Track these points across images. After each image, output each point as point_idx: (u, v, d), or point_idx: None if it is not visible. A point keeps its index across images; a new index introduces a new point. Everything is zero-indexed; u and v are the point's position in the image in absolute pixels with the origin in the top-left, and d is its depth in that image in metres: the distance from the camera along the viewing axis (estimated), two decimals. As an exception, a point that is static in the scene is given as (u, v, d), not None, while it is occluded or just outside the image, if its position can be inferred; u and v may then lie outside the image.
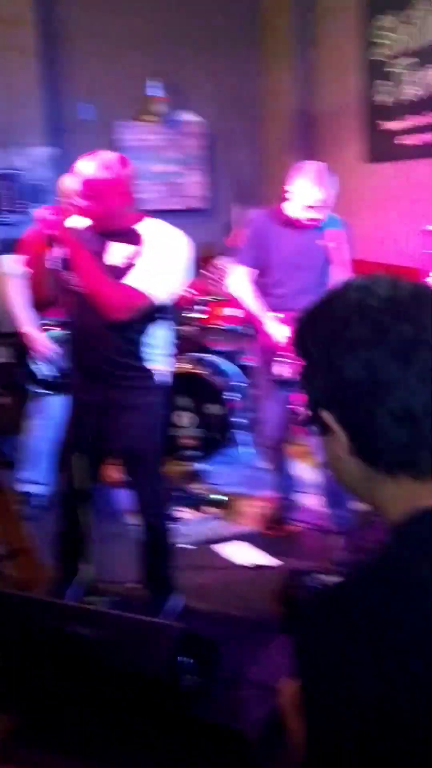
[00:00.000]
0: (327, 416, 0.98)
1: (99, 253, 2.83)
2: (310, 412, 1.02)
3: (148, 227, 2.86)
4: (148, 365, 2.96)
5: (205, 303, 4.99)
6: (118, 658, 2.39)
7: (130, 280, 2.77)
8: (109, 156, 2.83)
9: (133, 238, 2.82)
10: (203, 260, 6.18)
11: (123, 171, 2.81)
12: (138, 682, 2.36)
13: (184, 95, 6.15)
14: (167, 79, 5.98)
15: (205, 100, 6.24)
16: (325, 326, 0.99)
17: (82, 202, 2.79)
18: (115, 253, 2.84)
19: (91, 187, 2.76)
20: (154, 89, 5.98)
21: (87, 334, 2.92)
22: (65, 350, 3.27)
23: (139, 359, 2.93)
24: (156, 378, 3.00)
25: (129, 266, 2.79)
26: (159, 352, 2.99)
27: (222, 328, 4.94)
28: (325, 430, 1.00)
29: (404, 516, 0.95)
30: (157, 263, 2.77)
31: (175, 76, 6.04)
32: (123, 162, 2.85)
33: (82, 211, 2.82)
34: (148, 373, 2.97)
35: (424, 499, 0.95)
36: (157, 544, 3.25)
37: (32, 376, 4.09)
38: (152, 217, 2.95)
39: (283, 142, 6.13)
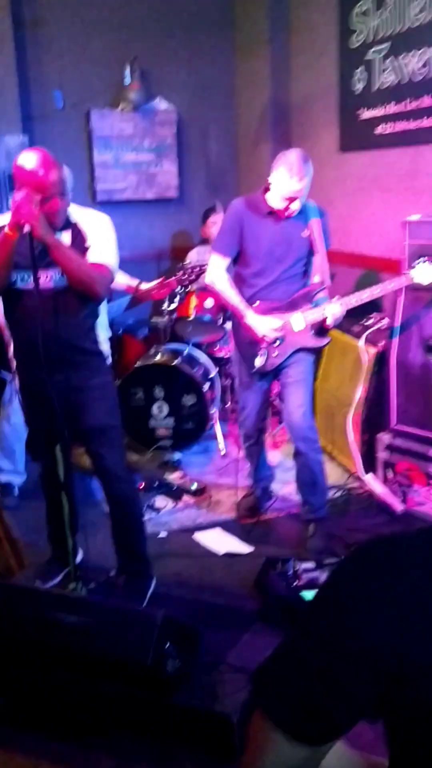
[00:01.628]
0: None
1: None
2: None
3: (76, 212, 3.04)
4: (100, 346, 3.17)
5: (180, 294, 5.01)
6: (102, 644, 2.43)
7: (92, 260, 2.96)
8: (45, 155, 2.83)
9: (70, 225, 3.00)
10: (177, 250, 6.20)
11: (56, 173, 2.85)
12: (123, 668, 2.39)
13: (157, 83, 6.13)
14: (141, 67, 5.95)
15: (179, 88, 6.21)
16: None
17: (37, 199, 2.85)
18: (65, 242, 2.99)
19: (51, 188, 2.83)
20: (128, 77, 5.94)
21: (50, 323, 2.97)
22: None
23: (95, 342, 3.14)
24: (106, 358, 3.21)
25: (83, 251, 2.97)
26: (105, 334, 3.21)
27: (197, 319, 4.95)
28: None
29: None
30: (104, 241, 3.00)
31: (149, 64, 6.01)
32: (52, 160, 2.87)
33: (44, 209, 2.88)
34: (101, 354, 3.18)
35: None
36: (127, 517, 3.33)
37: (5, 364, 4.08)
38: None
39: (258, 131, 6.13)
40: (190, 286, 4.90)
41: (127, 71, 5.90)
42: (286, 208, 3.53)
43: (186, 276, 4.72)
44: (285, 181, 3.44)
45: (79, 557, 3.46)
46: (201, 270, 4.60)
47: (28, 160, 2.79)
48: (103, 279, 2.96)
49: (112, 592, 3.25)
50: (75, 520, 3.39)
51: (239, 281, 3.71)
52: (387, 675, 0.92)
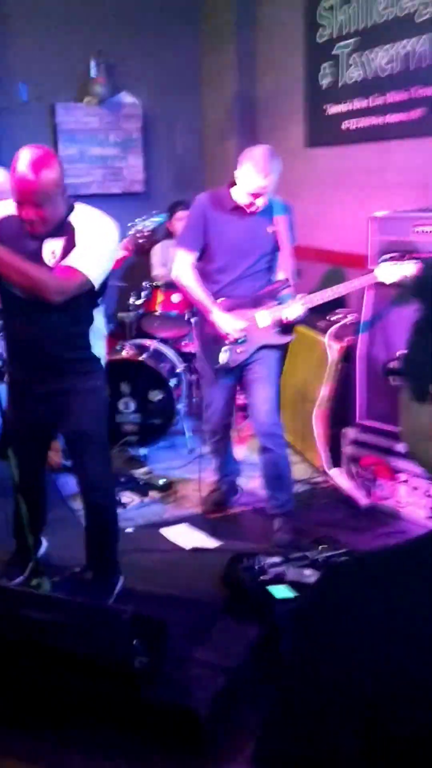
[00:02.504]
0: None
1: (37, 254, 2.83)
2: (411, 376, 0.96)
3: (79, 216, 2.89)
4: (92, 351, 3.06)
5: (146, 289, 4.99)
6: (70, 641, 2.42)
7: (64, 262, 2.82)
8: (37, 157, 2.71)
9: (66, 230, 2.85)
10: (143, 245, 6.17)
11: (51, 173, 2.72)
12: (91, 665, 2.39)
13: (123, 77, 6.09)
14: (106, 61, 5.91)
15: (144, 82, 6.18)
16: None
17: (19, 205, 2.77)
18: (50, 250, 2.86)
19: (25, 195, 2.72)
20: (93, 70, 5.90)
21: (29, 332, 2.94)
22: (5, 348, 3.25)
23: (85, 347, 3.03)
24: (98, 362, 3.11)
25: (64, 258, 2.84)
26: (98, 338, 3.10)
27: (164, 314, 4.94)
28: (422, 398, 0.94)
29: None
30: (88, 245, 2.83)
31: (114, 58, 5.97)
32: (50, 160, 2.76)
33: (20, 213, 2.79)
34: (92, 359, 3.07)
35: None
36: (104, 526, 3.30)
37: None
38: (85, 202, 2.98)
39: (225, 126, 6.13)
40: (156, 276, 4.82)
41: (93, 65, 5.86)
42: (252, 204, 3.52)
43: (137, 238, 4.58)
44: (251, 176, 3.43)
45: (42, 550, 3.43)
46: (149, 233, 4.45)
47: (19, 161, 2.69)
48: (61, 284, 2.77)
49: (78, 587, 3.22)
50: (42, 517, 3.37)
51: (203, 277, 3.69)
52: (372, 708, 0.89)
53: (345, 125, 4.81)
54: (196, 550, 3.72)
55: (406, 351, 1.01)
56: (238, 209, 3.57)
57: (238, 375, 3.83)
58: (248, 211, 3.55)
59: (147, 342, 5.04)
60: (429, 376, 0.92)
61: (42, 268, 2.78)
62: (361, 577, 0.94)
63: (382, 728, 0.87)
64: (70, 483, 4.01)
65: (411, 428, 1.02)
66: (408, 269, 3.57)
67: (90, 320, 3.00)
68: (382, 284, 3.73)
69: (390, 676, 0.87)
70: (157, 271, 5.52)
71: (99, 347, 3.10)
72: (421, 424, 0.95)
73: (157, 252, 5.62)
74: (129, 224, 4.44)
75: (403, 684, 0.86)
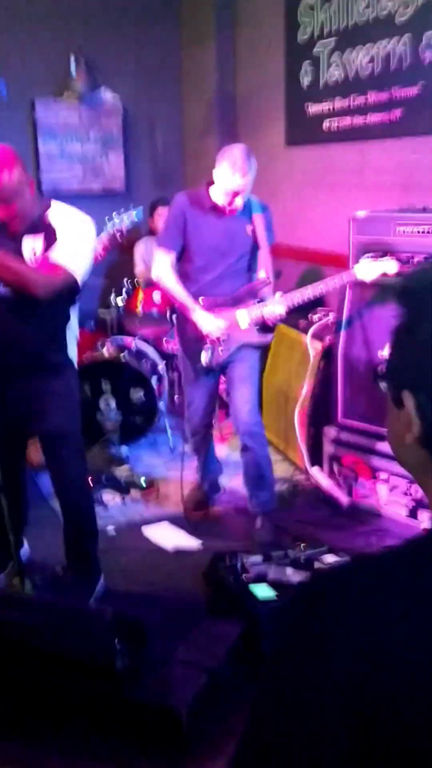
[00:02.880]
0: (408, 399, 0.91)
1: (17, 251, 2.84)
2: (390, 381, 0.95)
3: (57, 213, 2.91)
4: (67, 351, 3.07)
5: (127, 287, 4.99)
6: (51, 643, 2.41)
7: (48, 258, 2.82)
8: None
9: (44, 228, 2.86)
10: (124, 241, 6.15)
11: (11, 168, 2.74)
12: (72, 666, 2.38)
13: (103, 74, 6.07)
14: (86, 57, 5.89)
15: (124, 79, 6.16)
16: None
17: None
18: (30, 247, 2.86)
19: None
20: (73, 67, 5.87)
21: (9, 331, 2.92)
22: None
23: (62, 347, 3.04)
24: (72, 362, 3.11)
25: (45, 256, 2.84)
26: (72, 338, 3.10)
27: (145, 312, 4.93)
28: (398, 404, 0.93)
29: None
30: (70, 241, 2.85)
31: (94, 54, 5.94)
32: (8, 156, 2.76)
33: None
34: (67, 358, 3.07)
35: None
36: (82, 526, 3.29)
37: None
38: (64, 199, 2.99)
39: (205, 123, 6.12)
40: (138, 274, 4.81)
41: (72, 61, 5.83)
42: (230, 203, 3.53)
43: (113, 235, 4.57)
44: (228, 176, 3.44)
45: (24, 550, 3.41)
46: (127, 229, 4.45)
47: None
48: (48, 280, 2.79)
49: (59, 588, 3.22)
50: (23, 517, 3.36)
51: (183, 277, 3.69)
52: (358, 716, 0.88)
53: (325, 125, 4.82)
54: (177, 550, 3.72)
55: (387, 356, 1.01)
56: (216, 209, 3.58)
57: (218, 374, 3.84)
58: (227, 210, 3.56)
59: (128, 340, 5.04)
60: (404, 383, 0.92)
61: (32, 266, 2.80)
62: (344, 584, 0.93)
63: (371, 733, 0.87)
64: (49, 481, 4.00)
65: (393, 435, 1.02)
66: (387, 267, 3.59)
67: (67, 318, 3.02)
68: (362, 283, 3.75)
69: (377, 683, 0.86)
70: (139, 268, 5.51)
71: (73, 348, 3.11)
72: (399, 428, 0.96)
73: (140, 249, 5.61)
74: (106, 218, 4.44)
75: (391, 691, 0.86)
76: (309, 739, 0.89)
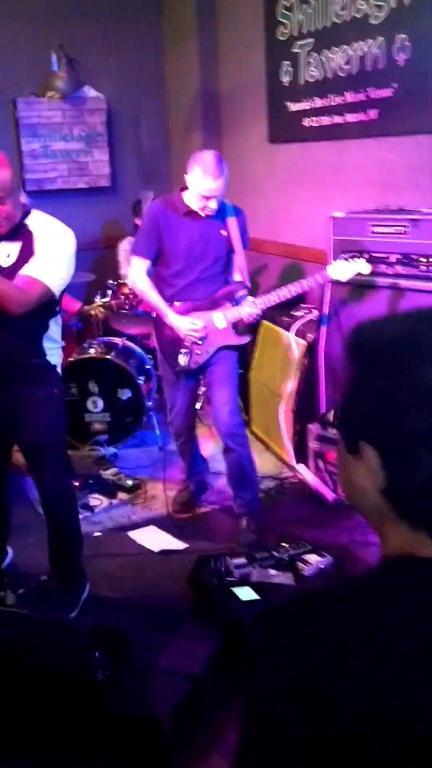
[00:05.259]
0: (368, 451, 0.90)
1: None
2: (344, 430, 0.95)
3: (37, 222, 2.91)
4: (47, 359, 3.04)
5: (112, 287, 5.01)
6: (31, 656, 2.45)
7: (24, 271, 2.82)
8: None
9: (22, 235, 2.87)
10: (110, 239, 6.16)
11: (6, 169, 2.75)
12: (52, 679, 2.42)
13: (85, 71, 6.04)
14: (68, 55, 5.86)
15: (107, 76, 6.13)
16: (401, 359, 0.88)
17: None
18: (5, 252, 2.87)
19: None
20: (55, 65, 5.85)
21: None
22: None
23: (41, 355, 3.01)
24: (54, 369, 3.09)
25: (21, 263, 2.83)
26: (54, 345, 3.08)
27: (130, 311, 4.95)
28: (353, 451, 0.93)
29: (399, 558, 0.92)
30: (49, 255, 2.84)
31: (77, 52, 5.91)
32: (5, 161, 2.79)
33: None
34: (47, 366, 3.05)
35: (425, 549, 0.91)
36: (65, 535, 3.31)
37: None
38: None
39: (189, 120, 6.10)
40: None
41: (54, 59, 5.81)
42: (204, 208, 3.56)
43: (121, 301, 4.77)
44: (200, 180, 3.47)
45: (7, 561, 3.45)
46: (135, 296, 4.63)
47: None
48: (22, 295, 2.77)
49: (43, 598, 3.25)
50: (6, 526, 3.38)
51: (159, 281, 3.73)
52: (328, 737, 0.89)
53: (306, 122, 4.81)
54: (163, 553, 3.75)
55: (340, 405, 1.03)
56: (190, 213, 3.61)
57: (198, 377, 3.87)
58: (201, 215, 3.58)
59: (115, 339, 5.06)
60: (360, 433, 0.93)
61: (3, 279, 2.78)
62: (303, 617, 0.92)
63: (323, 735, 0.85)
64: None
65: (347, 480, 1.04)
66: (360, 267, 3.64)
67: (45, 328, 2.99)
68: (338, 282, 3.78)
69: (344, 709, 0.87)
70: (123, 269, 5.52)
71: (55, 356, 3.08)
72: (357, 477, 0.98)
73: (123, 248, 5.61)
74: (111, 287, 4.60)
75: (359, 717, 0.87)
76: (277, 745, 0.89)
